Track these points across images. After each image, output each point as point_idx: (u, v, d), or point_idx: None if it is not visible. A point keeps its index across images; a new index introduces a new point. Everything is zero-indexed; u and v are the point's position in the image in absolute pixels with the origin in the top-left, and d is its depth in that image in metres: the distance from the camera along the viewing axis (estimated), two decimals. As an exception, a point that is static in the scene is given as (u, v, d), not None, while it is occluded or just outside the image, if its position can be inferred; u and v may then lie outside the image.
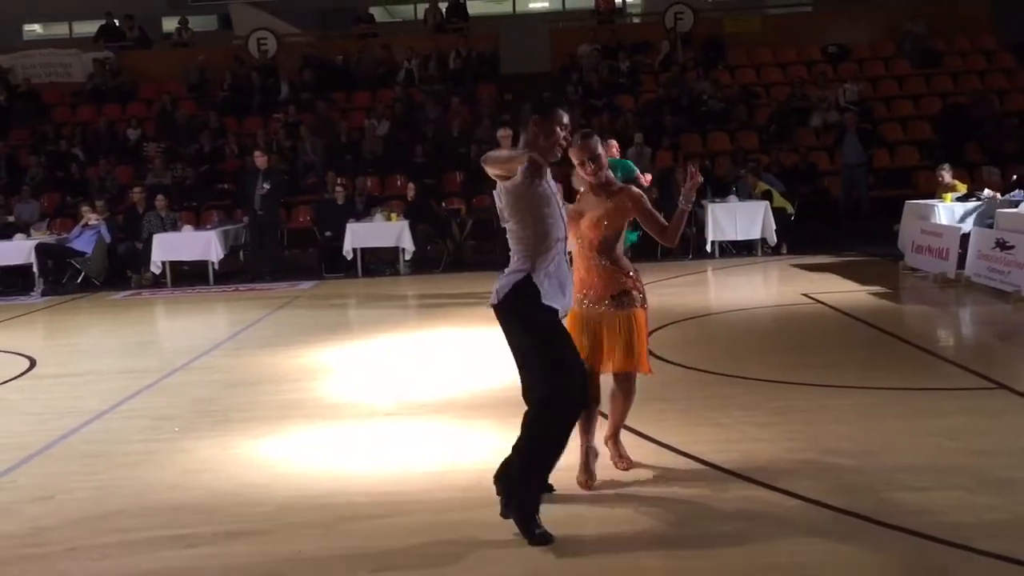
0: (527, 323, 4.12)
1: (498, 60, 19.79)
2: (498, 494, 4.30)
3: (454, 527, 4.24)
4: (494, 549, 4.02)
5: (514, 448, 4.24)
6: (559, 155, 4.23)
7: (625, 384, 4.77)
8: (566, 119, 4.19)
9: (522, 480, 4.14)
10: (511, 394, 6.42)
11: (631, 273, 4.68)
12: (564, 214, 4.28)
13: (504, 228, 4.23)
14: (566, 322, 4.44)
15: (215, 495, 4.79)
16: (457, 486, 4.75)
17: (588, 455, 4.73)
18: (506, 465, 4.31)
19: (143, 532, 4.37)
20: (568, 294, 4.28)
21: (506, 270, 4.23)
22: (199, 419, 6.25)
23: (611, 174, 4.72)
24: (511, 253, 4.23)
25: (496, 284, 4.22)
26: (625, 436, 5.39)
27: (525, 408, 4.22)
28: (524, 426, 4.19)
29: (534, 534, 4.01)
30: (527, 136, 4.19)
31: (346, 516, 4.41)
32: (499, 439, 5.46)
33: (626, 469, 4.88)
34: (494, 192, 4.29)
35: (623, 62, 18.60)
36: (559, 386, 4.05)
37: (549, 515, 4.17)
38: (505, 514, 4.19)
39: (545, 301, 4.12)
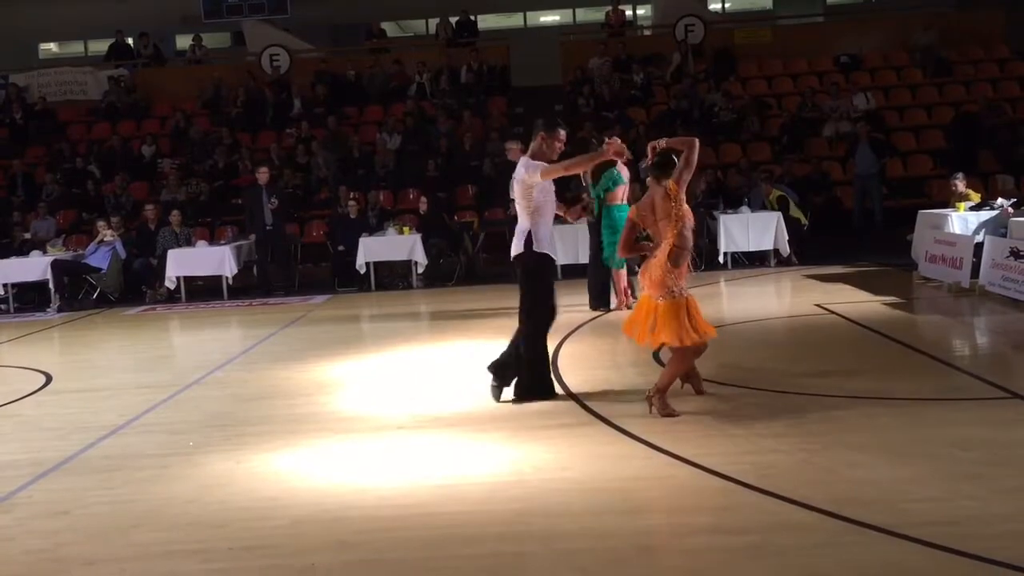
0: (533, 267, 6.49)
1: (509, 73, 19.88)
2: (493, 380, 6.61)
3: (468, 541, 4.25)
4: (509, 560, 4.03)
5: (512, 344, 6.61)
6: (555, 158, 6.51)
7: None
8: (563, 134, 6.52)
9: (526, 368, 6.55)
10: (524, 408, 6.48)
11: None
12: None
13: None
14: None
15: (230, 509, 4.81)
16: (470, 499, 4.76)
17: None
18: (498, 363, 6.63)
19: (160, 547, 4.39)
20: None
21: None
22: (214, 434, 6.29)
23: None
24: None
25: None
26: (638, 448, 5.42)
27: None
28: (520, 334, 6.56)
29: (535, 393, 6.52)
30: (535, 143, 6.51)
31: (360, 529, 4.43)
32: (512, 451, 5.49)
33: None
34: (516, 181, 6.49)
35: (637, 74, 18.65)
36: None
37: (564, 529, 4.18)
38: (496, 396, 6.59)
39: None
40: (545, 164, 6.37)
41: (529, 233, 6.43)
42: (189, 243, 14.24)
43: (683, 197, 6.00)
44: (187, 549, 4.34)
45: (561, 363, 7.82)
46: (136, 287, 14.23)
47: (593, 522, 4.41)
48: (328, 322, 11.29)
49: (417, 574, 3.98)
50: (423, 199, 14.70)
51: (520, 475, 5.09)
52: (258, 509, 4.79)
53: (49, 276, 13.59)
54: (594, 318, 9.94)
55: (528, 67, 20.27)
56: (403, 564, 4.07)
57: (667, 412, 5.95)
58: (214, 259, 13.88)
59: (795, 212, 13.93)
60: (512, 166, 13.38)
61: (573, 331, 9.29)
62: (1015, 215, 10.57)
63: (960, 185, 12.17)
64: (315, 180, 16.66)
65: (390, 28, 24.79)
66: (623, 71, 18.82)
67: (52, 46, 27.48)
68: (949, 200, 12.23)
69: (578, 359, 8.03)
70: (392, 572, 4.01)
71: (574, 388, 6.90)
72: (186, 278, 14.01)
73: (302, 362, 8.60)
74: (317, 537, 4.38)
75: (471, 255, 14.62)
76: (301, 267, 15.05)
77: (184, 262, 13.90)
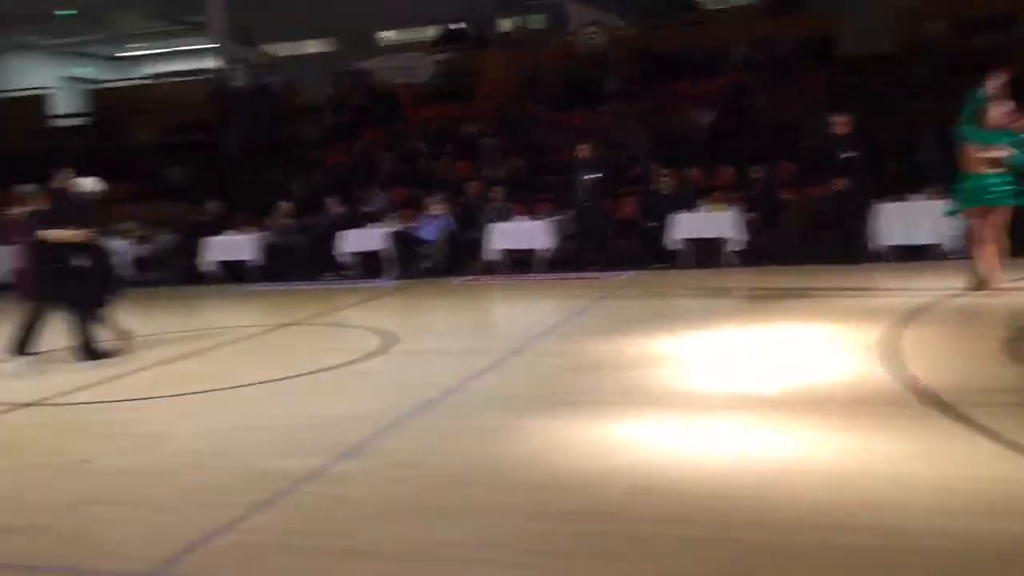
0: None
1: (834, 42, 18.79)
2: None
3: (805, 527, 4.06)
4: (861, 554, 3.80)
5: None
6: None
7: None
8: None
9: None
10: (857, 393, 6.11)
11: None
12: None
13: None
14: None
15: (565, 474, 4.90)
16: (810, 484, 4.53)
17: None
18: None
19: (495, 502, 4.59)
20: None
21: None
22: (542, 400, 6.48)
23: None
24: None
25: None
26: (997, 447, 4.93)
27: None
28: None
29: None
30: None
31: (698, 507, 4.35)
32: (847, 439, 5.19)
33: None
34: None
35: (984, 37, 16.88)
36: None
37: (914, 526, 3.89)
38: None
39: None
40: None
41: None
42: (509, 218, 14.85)
43: None
44: (522, 509, 4.49)
45: (906, 349, 7.27)
46: (460, 258, 15.08)
47: (947, 522, 4.05)
48: (641, 298, 11.33)
49: (755, 557, 3.86)
50: (755, 169, 14.16)
51: (859, 464, 4.77)
52: (592, 475, 4.85)
53: (386, 246, 14.75)
54: (942, 301, 9.20)
55: (856, 34, 19.04)
56: (741, 544, 3.95)
57: None
58: (532, 233, 14.40)
59: None
60: (839, 140, 12.85)
61: (919, 315, 8.64)
62: None
63: None
64: (628, 156, 16.75)
65: (707, 0, 24.29)
66: (964, 35, 17.13)
67: (391, 33, 29.64)
68: None
69: (925, 345, 7.44)
70: (730, 551, 3.91)
71: (919, 376, 6.40)
72: (506, 251, 14.64)
73: (619, 335, 8.66)
74: (652, 508, 4.37)
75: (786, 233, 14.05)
76: (614, 242, 15.22)
77: (504, 236, 14.54)
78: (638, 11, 24.64)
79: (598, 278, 13.23)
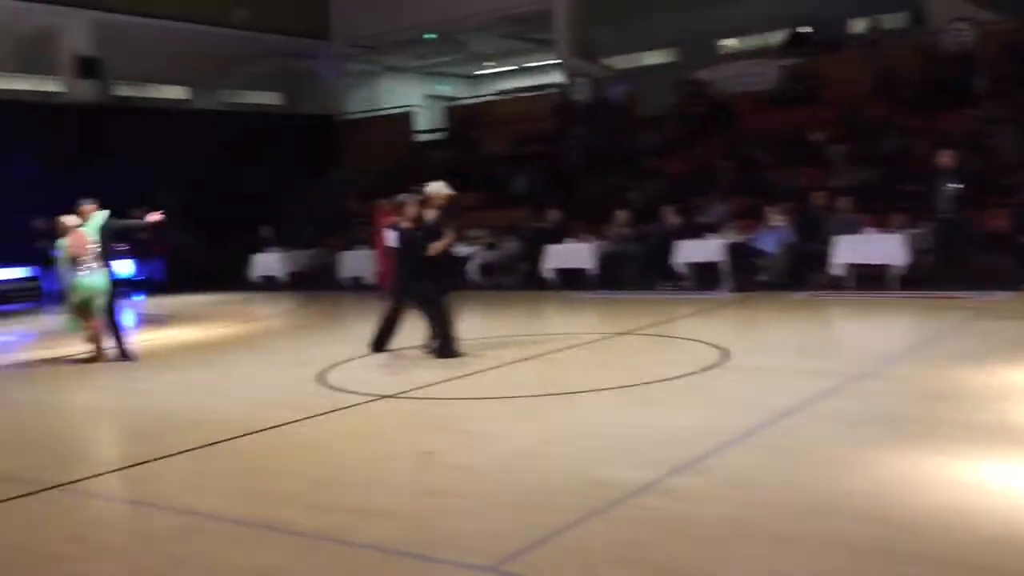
0: None
1: None
2: None
3: None
4: None
5: None
6: None
7: None
8: None
9: None
10: None
11: None
12: None
13: None
14: None
15: (914, 515, 4.45)
16: None
17: None
18: None
19: (833, 534, 4.25)
20: None
21: None
22: (892, 429, 5.96)
23: None
24: None
25: None
26: None
27: None
28: None
29: None
30: None
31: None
32: None
33: None
34: None
35: None
36: None
37: None
38: None
39: None
40: None
41: None
42: (857, 230, 13.93)
43: None
44: (865, 545, 4.12)
45: None
46: (801, 271, 14.38)
47: None
48: (1016, 321, 10.12)
49: None
50: None
51: None
52: (950, 518, 4.35)
53: (723, 258, 14.42)
54: None
55: None
56: None
57: None
58: (884, 247, 13.41)
59: None
60: None
61: None
62: None
63: None
64: (999, 164, 15.08)
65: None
66: None
67: (732, 41, 29.10)
68: None
69: None
70: None
71: None
72: (854, 265, 13.74)
73: (986, 364, 7.78)
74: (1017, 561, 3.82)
75: None
76: (981, 259, 13.74)
77: (852, 249, 13.66)
78: (1016, 3, 22.23)
79: (963, 298, 12.00)
